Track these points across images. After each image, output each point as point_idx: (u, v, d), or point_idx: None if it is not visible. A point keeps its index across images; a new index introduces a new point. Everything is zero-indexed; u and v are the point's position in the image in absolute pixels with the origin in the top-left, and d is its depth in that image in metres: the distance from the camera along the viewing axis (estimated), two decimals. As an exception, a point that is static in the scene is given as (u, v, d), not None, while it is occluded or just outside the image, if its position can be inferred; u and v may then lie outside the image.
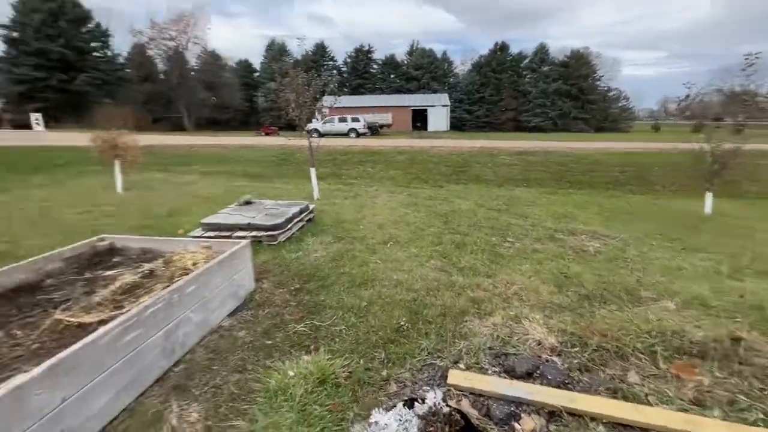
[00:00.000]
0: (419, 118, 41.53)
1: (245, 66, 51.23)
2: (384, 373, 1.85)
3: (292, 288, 2.80)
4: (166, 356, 1.86)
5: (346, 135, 25.80)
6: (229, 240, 3.00)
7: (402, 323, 2.30)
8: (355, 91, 48.62)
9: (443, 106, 41.69)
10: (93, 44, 37.23)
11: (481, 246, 3.78)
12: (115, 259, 2.74)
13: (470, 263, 3.32)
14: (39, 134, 20.03)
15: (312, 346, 2.06)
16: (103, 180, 7.22)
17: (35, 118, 26.09)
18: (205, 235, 3.77)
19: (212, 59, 45.85)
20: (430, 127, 41.17)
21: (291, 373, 1.73)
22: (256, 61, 52.24)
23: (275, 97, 5.65)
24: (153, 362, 1.78)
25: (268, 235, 3.73)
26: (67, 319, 1.82)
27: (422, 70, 47.93)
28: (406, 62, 50.44)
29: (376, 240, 3.94)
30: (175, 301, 1.94)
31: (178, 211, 5.10)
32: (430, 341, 2.10)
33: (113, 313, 1.91)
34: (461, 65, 52.83)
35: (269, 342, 2.12)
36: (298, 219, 4.28)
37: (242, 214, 4.10)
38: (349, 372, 1.81)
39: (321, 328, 2.26)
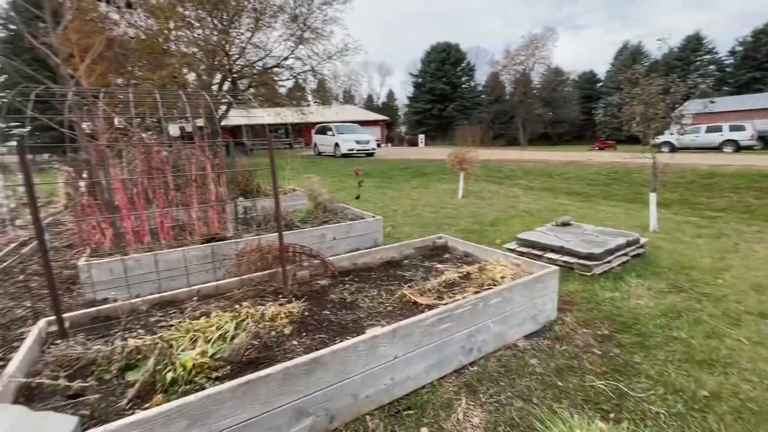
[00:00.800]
0: None
1: (588, 77, 48.53)
2: None
3: (599, 333, 2.44)
4: (464, 354, 2.13)
5: (717, 149, 19.12)
6: (539, 261, 2.99)
7: (776, 453, 1.49)
8: (743, 88, 35.11)
9: None
10: (463, 79, 46.82)
11: None
12: (445, 256, 3.39)
13: None
14: (420, 149, 27.79)
15: (612, 415, 1.73)
16: (451, 187, 9.03)
17: (421, 138, 36.21)
18: (517, 249, 3.95)
19: (554, 75, 46.50)
20: None
21: (578, 432, 1.53)
22: (601, 71, 48.25)
23: (616, 111, 4.97)
24: (454, 354, 2.08)
25: (581, 264, 3.42)
26: (409, 295, 2.44)
27: None
28: None
29: (744, 306, 2.73)
30: (479, 307, 2.17)
31: (500, 221, 5.61)
32: None
33: (435, 301, 2.38)
34: None
35: (560, 384, 1.96)
36: (622, 252, 3.65)
37: (557, 236, 3.97)
38: (660, 475, 1.38)
39: (627, 396, 1.85)
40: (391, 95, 64.73)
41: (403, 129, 57.28)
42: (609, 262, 3.50)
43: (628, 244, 3.75)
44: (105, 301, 3.01)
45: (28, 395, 1.55)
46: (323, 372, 1.62)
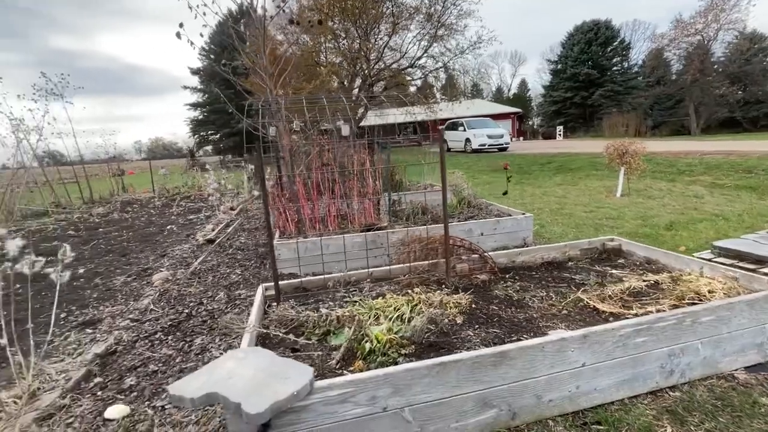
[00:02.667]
0: None
1: (810, 39, 36.26)
2: None
3: None
4: (663, 375, 1.83)
5: None
6: (759, 275, 2.36)
7: None
8: None
9: None
10: (614, 60, 40.49)
11: None
12: (619, 261, 2.98)
13: None
14: (558, 143, 25.20)
15: None
16: (605, 184, 7.93)
17: (558, 130, 32.84)
18: (714, 260, 3.21)
19: (749, 43, 36.07)
20: None
21: None
22: (838, 27, 35.38)
23: None
24: (650, 374, 1.81)
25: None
26: (587, 300, 2.22)
27: None
28: None
29: None
30: (686, 324, 1.83)
31: (679, 225, 4.67)
32: None
33: (621, 310, 2.10)
34: None
35: (818, 436, 1.51)
36: None
37: (780, 247, 3.08)
38: None
39: None
40: (523, 86, 60.33)
41: (536, 121, 52.79)
42: None
43: None
44: (291, 275, 3.60)
45: (263, 343, 1.95)
46: (509, 367, 1.60)
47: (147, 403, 1.94)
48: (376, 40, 19.70)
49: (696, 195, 6.58)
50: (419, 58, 20.08)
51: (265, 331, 1.99)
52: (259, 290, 2.39)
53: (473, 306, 2.27)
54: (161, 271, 3.88)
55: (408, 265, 2.70)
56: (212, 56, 32.25)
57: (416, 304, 2.18)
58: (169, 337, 2.59)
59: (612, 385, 1.76)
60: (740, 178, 7.53)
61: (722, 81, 36.22)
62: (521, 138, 36.39)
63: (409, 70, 21.92)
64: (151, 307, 3.06)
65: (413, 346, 1.83)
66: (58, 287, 2.21)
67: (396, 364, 1.71)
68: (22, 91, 7.86)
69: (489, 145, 17.08)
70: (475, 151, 17.21)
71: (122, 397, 2.00)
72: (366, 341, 1.77)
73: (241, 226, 5.95)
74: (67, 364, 2.27)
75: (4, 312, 2.11)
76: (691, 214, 5.25)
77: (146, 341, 2.56)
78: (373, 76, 19.76)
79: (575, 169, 10.39)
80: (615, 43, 40.52)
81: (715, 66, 37.04)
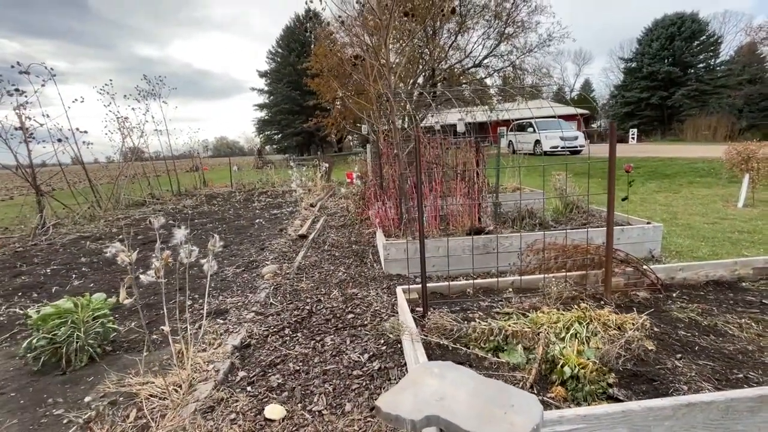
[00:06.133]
0: None
1: None
2: None
3: None
4: None
5: None
6: None
7: None
8: None
9: None
10: (700, 57, 36.57)
11: None
12: (812, 285, 2.47)
13: None
14: (633, 147, 23.17)
15: None
16: (717, 192, 7.02)
17: (631, 133, 30.31)
18: None
19: None
20: None
21: None
22: None
23: None
24: None
25: None
26: (814, 334, 1.81)
27: None
28: None
29: None
30: None
31: None
32: None
33: None
34: None
35: None
36: None
37: None
38: None
39: None
40: (587, 86, 56.58)
41: (603, 123, 49.17)
42: None
43: None
44: (398, 276, 3.46)
45: (427, 354, 1.78)
46: (769, 415, 1.28)
47: (300, 405, 1.86)
48: (440, 39, 19.37)
49: None
50: (485, 58, 19.44)
51: (427, 338, 1.82)
52: (400, 294, 2.24)
53: (655, 329, 1.94)
54: (267, 264, 3.92)
55: (559, 274, 2.42)
56: (278, 59, 33.76)
57: (589, 323, 1.90)
58: (298, 334, 2.53)
59: None
60: None
61: None
62: (588, 141, 34.02)
63: (473, 70, 21.35)
64: (270, 301, 3.06)
65: (612, 374, 1.56)
66: (208, 277, 2.22)
67: (607, 395, 1.45)
68: (114, 96, 8.50)
69: (562, 148, 16.07)
70: (545, 153, 16.28)
71: (274, 396, 1.93)
72: (564, 365, 1.53)
73: (327, 223, 5.96)
74: (211, 354, 2.27)
75: (163, 299, 2.14)
76: None
77: (277, 336, 2.52)
78: (437, 76, 19.44)
79: (672, 175, 9.35)
80: (702, 38, 36.57)
81: None
